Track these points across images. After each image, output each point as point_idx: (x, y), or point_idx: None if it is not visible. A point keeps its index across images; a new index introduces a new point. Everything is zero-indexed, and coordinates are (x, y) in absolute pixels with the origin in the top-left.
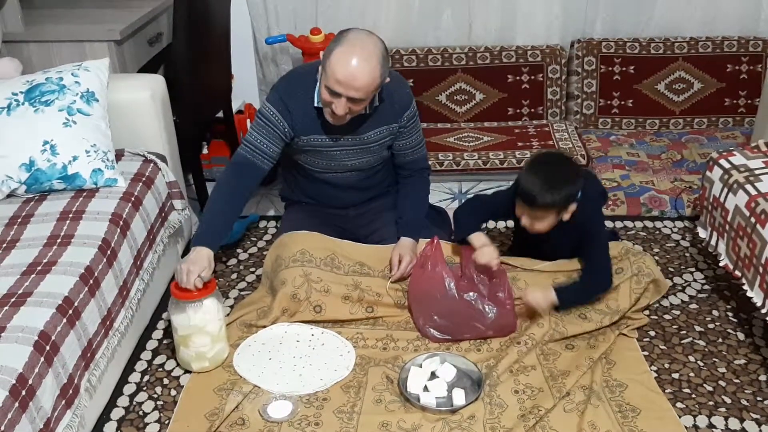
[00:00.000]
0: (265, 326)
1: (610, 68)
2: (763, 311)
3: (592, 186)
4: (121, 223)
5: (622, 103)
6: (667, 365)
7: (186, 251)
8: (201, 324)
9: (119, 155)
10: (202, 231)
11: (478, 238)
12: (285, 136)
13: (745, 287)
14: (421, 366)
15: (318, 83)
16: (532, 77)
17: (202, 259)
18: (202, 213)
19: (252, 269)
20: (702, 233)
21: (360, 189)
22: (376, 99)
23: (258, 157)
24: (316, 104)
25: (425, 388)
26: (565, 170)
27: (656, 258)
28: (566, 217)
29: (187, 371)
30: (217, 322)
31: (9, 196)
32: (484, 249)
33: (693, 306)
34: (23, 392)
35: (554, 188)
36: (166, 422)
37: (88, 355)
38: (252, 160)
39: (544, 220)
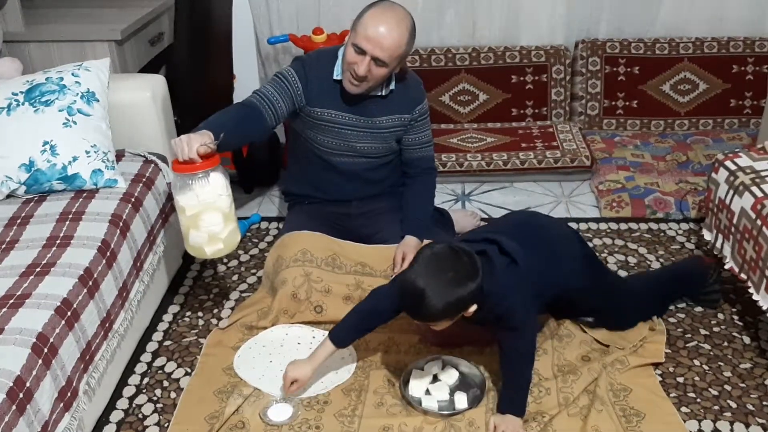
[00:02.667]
0: (265, 327)
1: (615, 69)
2: None
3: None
4: (121, 224)
5: (627, 104)
6: (671, 369)
7: (187, 252)
8: (210, 199)
9: (119, 156)
10: (205, 123)
11: (323, 349)
12: (296, 98)
13: (751, 290)
14: (423, 369)
15: (339, 58)
16: (536, 78)
17: (202, 133)
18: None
19: (253, 271)
20: (707, 235)
21: (364, 181)
22: (392, 82)
23: (265, 106)
24: (335, 77)
25: (427, 392)
26: (451, 272)
27: (661, 260)
28: (468, 314)
29: (187, 373)
30: (227, 198)
31: (8, 196)
32: (302, 366)
33: (698, 309)
34: (21, 395)
35: (438, 297)
36: (166, 425)
37: (87, 357)
38: (258, 107)
39: (436, 325)
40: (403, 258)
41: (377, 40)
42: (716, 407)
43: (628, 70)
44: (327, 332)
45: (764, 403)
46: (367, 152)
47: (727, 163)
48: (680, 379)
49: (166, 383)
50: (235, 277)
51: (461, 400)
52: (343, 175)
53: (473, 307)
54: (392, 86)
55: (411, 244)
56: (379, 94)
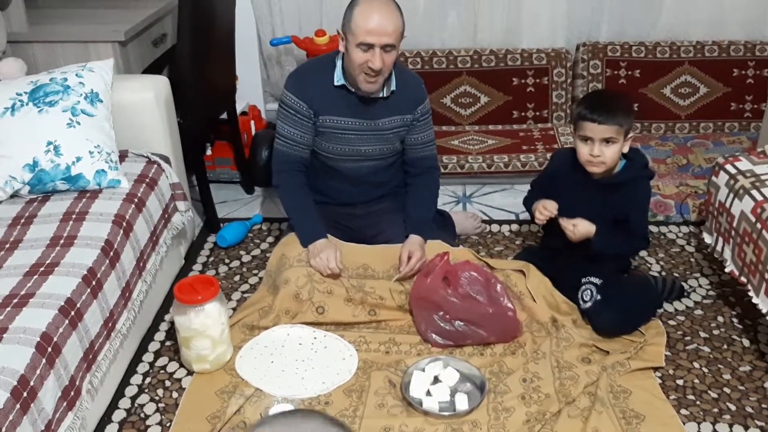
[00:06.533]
0: (266, 327)
1: (616, 72)
2: None
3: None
4: (124, 224)
5: None
6: (671, 371)
7: (189, 252)
8: (201, 328)
9: (123, 156)
10: (303, 232)
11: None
12: (312, 119)
13: (751, 293)
14: (423, 370)
15: (338, 64)
16: (538, 80)
17: (325, 246)
18: (289, 220)
19: (255, 271)
20: (707, 239)
21: (369, 184)
22: (392, 82)
23: (295, 148)
24: (336, 83)
25: (428, 393)
26: (618, 98)
27: (661, 263)
28: (626, 149)
29: (189, 373)
30: (219, 326)
31: (12, 196)
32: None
33: (698, 312)
34: (25, 394)
35: (616, 102)
36: (168, 424)
37: (90, 356)
38: (291, 153)
39: (610, 145)
40: (409, 257)
41: (381, 29)
42: (715, 409)
43: (629, 73)
44: (327, 333)
45: (763, 405)
46: (372, 155)
47: (728, 166)
48: (680, 382)
49: (168, 383)
50: (237, 278)
51: (462, 401)
52: (347, 180)
53: (631, 137)
54: (393, 87)
55: (416, 242)
56: (381, 95)
